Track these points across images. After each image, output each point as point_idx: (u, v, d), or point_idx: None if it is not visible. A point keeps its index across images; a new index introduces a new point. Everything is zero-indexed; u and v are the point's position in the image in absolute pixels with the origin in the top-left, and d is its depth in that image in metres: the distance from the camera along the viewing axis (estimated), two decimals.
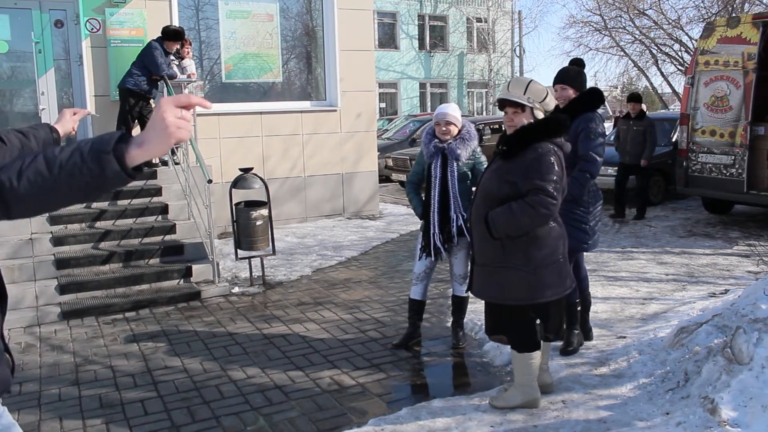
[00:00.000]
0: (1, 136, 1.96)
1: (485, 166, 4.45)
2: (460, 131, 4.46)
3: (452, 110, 4.46)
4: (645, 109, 9.85)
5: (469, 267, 4.51)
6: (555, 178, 3.29)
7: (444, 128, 4.40)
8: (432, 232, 4.48)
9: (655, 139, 9.67)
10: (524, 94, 3.41)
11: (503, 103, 3.47)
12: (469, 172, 4.50)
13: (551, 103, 3.48)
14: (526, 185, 3.29)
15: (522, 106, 3.41)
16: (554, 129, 3.37)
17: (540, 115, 3.41)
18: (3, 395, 1.78)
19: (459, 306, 4.76)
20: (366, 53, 10.12)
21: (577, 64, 4.47)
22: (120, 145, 1.38)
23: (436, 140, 4.45)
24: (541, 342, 3.66)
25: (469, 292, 3.79)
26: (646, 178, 9.77)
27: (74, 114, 2.27)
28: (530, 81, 3.48)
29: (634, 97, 9.83)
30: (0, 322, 1.75)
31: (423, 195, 4.63)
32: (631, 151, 9.57)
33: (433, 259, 4.56)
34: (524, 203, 3.28)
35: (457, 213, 4.44)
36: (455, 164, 4.41)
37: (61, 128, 2.23)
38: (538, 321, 3.52)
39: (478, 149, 4.55)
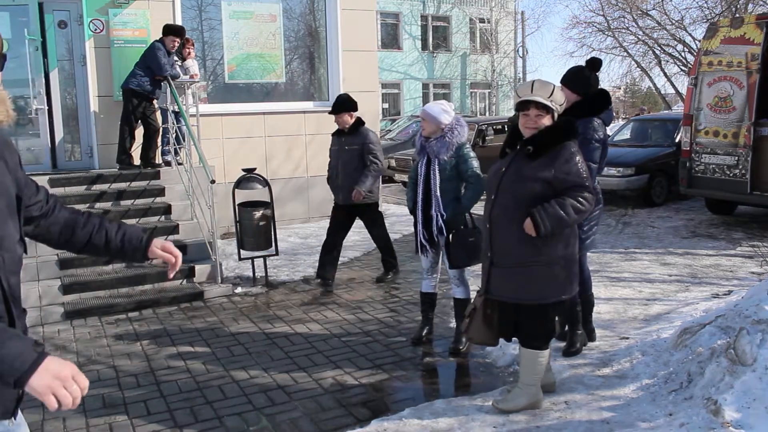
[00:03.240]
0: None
1: (475, 165, 4.46)
2: (443, 129, 4.47)
3: (430, 107, 4.51)
4: (363, 121, 6.39)
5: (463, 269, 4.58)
6: (586, 175, 3.47)
7: (422, 124, 4.53)
8: (417, 229, 4.59)
9: (379, 162, 6.18)
10: (549, 97, 3.48)
11: (528, 104, 3.48)
12: (455, 171, 4.48)
13: (564, 104, 3.63)
14: (567, 183, 3.39)
15: (547, 109, 3.48)
16: (574, 131, 3.56)
17: (556, 117, 3.56)
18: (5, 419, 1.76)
19: (459, 308, 4.70)
20: (369, 54, 10.12)
21: (592, 65, 4.37)
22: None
23: (423, 138, 4.55)
24: None
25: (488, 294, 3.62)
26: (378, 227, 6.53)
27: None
28: (554, 86, 3.59)
29: (343, 104, 6.27)
30: None
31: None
32: (344, 186, 6.25)
33: (420, 254, 4.67)
34: (575, 201, 3.38)
35: (437, 212, 4.46)
36: (437, 163, 4.44)
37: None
38: (557, 317, 3.61)
39: (466, 147, 4.52)
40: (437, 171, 4.44)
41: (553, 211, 3.36)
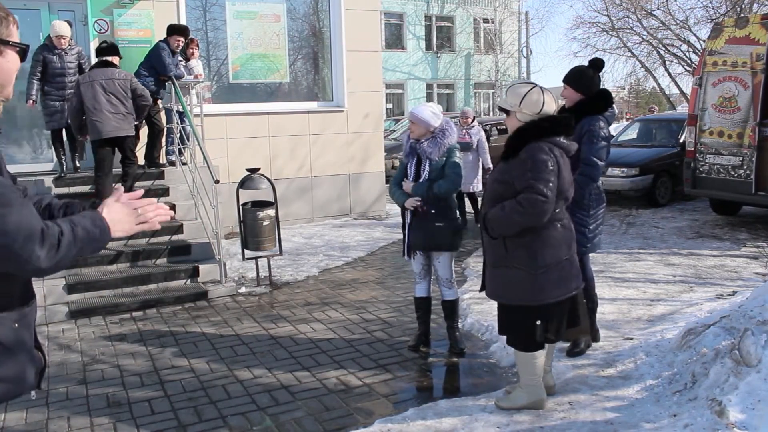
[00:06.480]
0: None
1: (459, 166, 4.46)
2: (433, 131, 4.41)
3: (419, 111, 4.42)
4: None
5: (453, 269, 4.61)
6: (546, 176, 3.30)
7: (411, 127, 4.47)
8: (406, 231, 4.52)
9: None
10: (506, 96, 3.57)
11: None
12: (442, 171, 4.45)
13: (534, 105, 3.43)
14: (520, 184, 3.34)
15: (506, 111, 3.55)
16: (548, 129, 3.41)
17: (524, 118, 3.46)
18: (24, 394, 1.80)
19: (450, 310, 4.70)
20: (373, 54, 10.12)
21: (594, 65, 4.42)
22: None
23: (413, 140, 4.50)
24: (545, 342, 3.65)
25: (483, 291, 3.76)
26: None
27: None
28: (511, 85, 3.63)
29: None
30: (32, 318, 1.77)
31: None
32: None
33: (409, 257, 4.58)
34: (515, 202, 3.33)
35: (430, 211, 4.41)
36: (428, 164, 4.41)
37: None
38: (538, 322, 3.49)
39: (456, 149, 4.49)
40: (428, 172, 4.41)
41: (497, 213, 3.41)
